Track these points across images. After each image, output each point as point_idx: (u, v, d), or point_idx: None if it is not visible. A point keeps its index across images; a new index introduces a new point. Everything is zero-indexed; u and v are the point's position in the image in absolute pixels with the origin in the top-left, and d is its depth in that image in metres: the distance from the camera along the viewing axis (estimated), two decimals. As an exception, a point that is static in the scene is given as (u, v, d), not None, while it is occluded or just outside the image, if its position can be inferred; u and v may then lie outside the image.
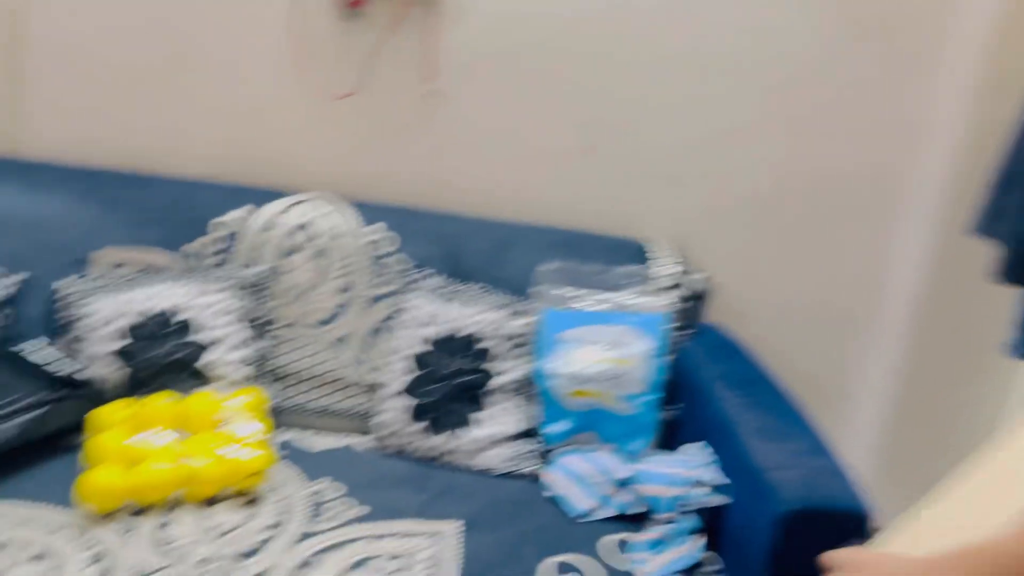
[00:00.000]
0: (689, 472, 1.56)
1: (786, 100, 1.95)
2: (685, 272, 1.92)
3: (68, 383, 1.58)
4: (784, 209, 2.03)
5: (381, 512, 1.51)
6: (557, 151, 1.97)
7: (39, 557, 1.31)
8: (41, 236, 1.75)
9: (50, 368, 1.59)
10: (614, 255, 1.90)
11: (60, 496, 1.42)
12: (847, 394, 2.20)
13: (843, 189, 2.02)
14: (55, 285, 1.73)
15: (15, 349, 1.61)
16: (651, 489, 1.57)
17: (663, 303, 1.82)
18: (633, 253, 1.92)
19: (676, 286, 1.87)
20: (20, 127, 1.86)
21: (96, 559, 1.32)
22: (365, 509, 1.51)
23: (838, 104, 1.96)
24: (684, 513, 1.53)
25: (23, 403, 1.51)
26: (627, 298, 1.80)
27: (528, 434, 1.75)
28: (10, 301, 1.70)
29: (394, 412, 1.73)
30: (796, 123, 1.97)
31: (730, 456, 1.54)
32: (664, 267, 1.89)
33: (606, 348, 1.72)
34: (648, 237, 1.99)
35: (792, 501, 1.33)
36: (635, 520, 1.59)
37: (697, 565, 1.48)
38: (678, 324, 1.85)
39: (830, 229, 2.05)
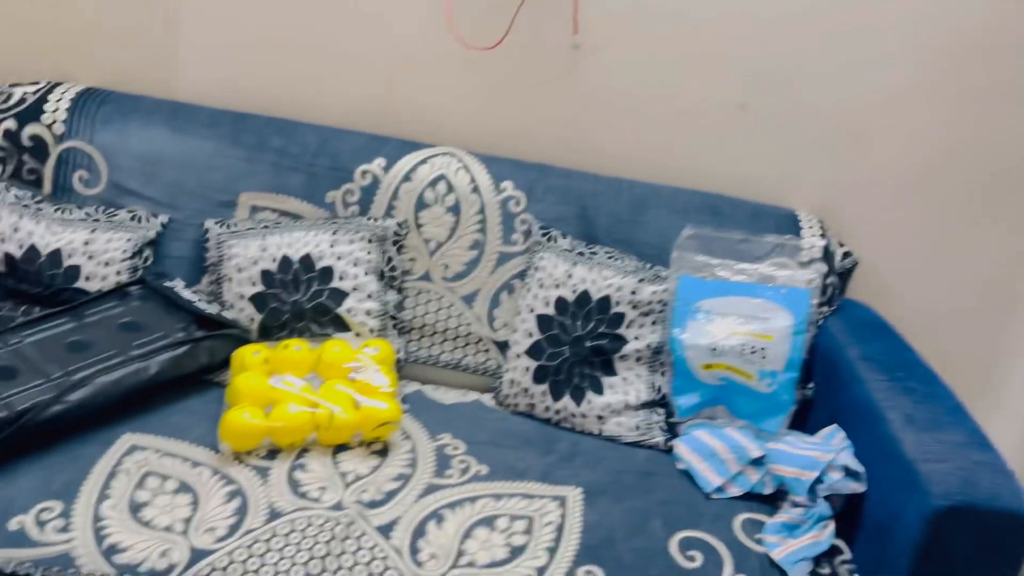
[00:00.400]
0: (825, 456, 1.49)
1: (960, 66, 1.80)
2: (831, 245, 1.81)
3: (212, 323, 1.63)
4: (946, 184, 1.89)
5: (503, 472, 1.51)
6: (704, 111, 1.88)
7: (181, 490, 1.36)
8: (189, 177, 1.80)
9: (196, 307, 1.64)
10: (758, 223, 1.81)
11: (201, 433, 1.47)
12: (996, 384, 2.05)
13: (1016, 167, 1.86)
14: (200, 226, 1.78)
15: (165, 286, 1.67)
16: (786, 470, 1.50)
17: (807, 277, 1.72)
18: (778, 222, 1.83)
19: (821, 259, 1.77)
20: (175, 70, 1.91)
21: (233, 496, 1.37)
22: (487, 467, 1.51)
23: (1019, 74, 1.79)
24: (820, 498, 1.46)
25: (170, 339, 1.57)
26: (769, 269, 1.71)
27: (657, 404, 1.71)
28: (157, 240, 1.76)
29: (519, 372, 1.72)
30: (968, 92, 1.81)
31: (872, 443, 1.46)
32: (810, 239, 1.79)
33: (744, 321, 1.65)
34: (795, 206, 1.89)
35: (946, 497, 1.25)
36: (765, 501, 1.53)
37: (827, 553, 1.42)
38: (821, 300, 1.76)
39: (996, 208, 1.90)
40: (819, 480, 1.47)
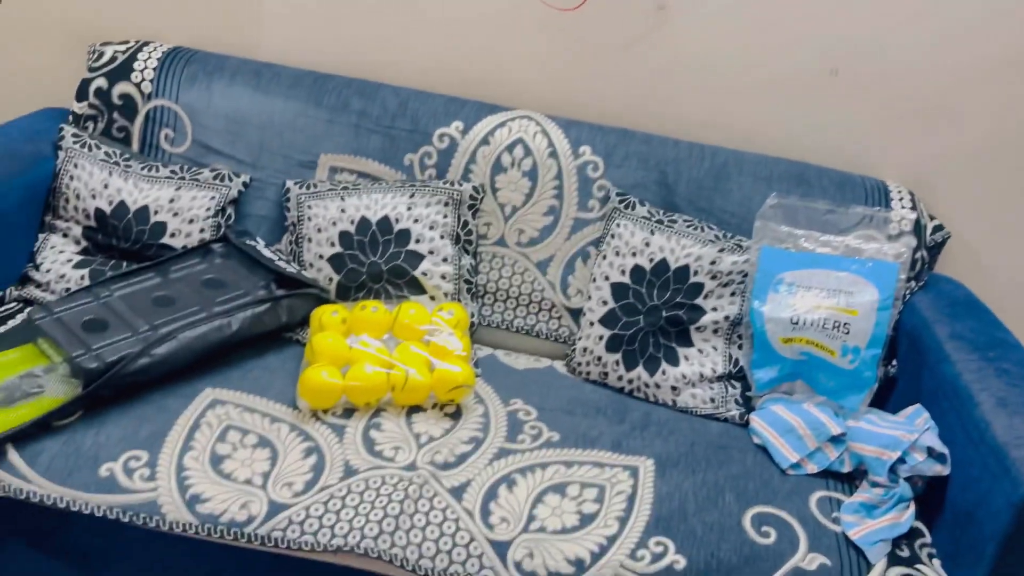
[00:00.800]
0: (908, 436, 1.44)
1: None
2: (922, 218, 1.74)
3: (292, 282, 1.66)
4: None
5: (575, 439, 1.50)
6: (792, 75, 1.81)
7: (260, 444, 1.40)
8: (271, 137, 1.82)
9: (276, 266, 1.67)
10: (845, 193, 1.75)
11: (280, 389, 1.51)
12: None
13: None
14: (281, 186, 1.80)
15: (247, 244, 1.71)
16: (866, 449, 1.46)
17: (896, 250, 1.66)
18: (867, 193, 1.76)
19: (911, 232, 1.71)
20: (258, 30, 1.93)
21: (310, 452, 1.39)
22: (559, 434, 1.51)
23: None
24: (901, 479, 1.42)
25: (251, 297, 1.60)
26: (856, 242, 1.65)
27: (733, 377, 1.68)
28: (240, 199, 1.79)
29: (592, 340, 1.71)
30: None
31: (959, 425, 1.40)
32: (900, 211, 1.73)
33: (828, 294, 1.60)
34: (885, 177, 1.81)
35: (1040, 486, 1.20)
36: (842, 480, 1.49)
37: (907, 535, 1.38)
38: (909, 274, 1.70)
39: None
40: (901, 460, 1.43)
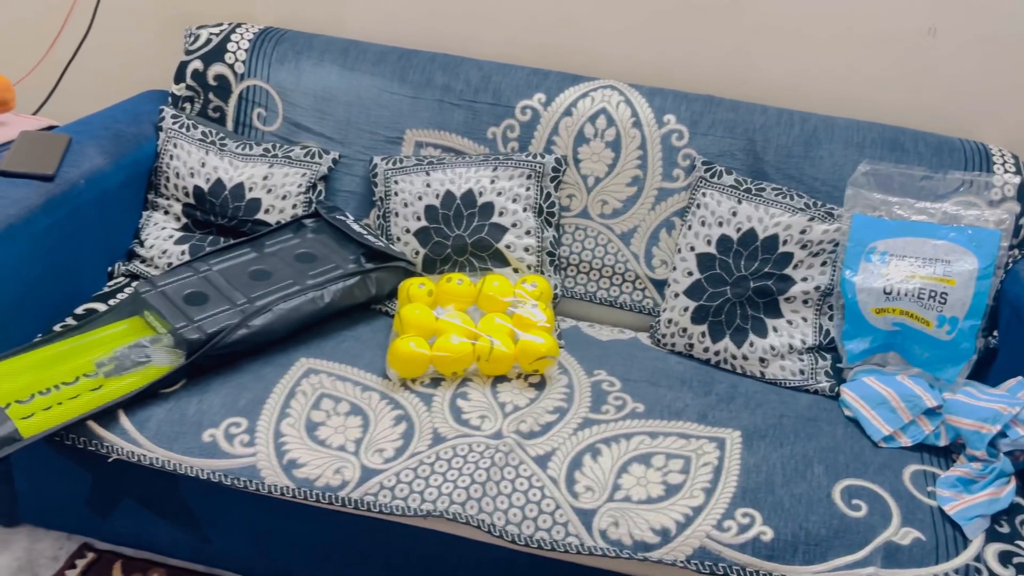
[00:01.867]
0: (1010, 409, 1.39)
1: None
2: (1027, 183, 1.66)
3: (380, 255, 1.70)
4: None
5: (660, 411, 1.50)
6: (887, 35, 1.75)
7: (352, 412, 1.45)
8: (358, 115, 1.86)
9: (365, 240, 1.71)
10: (943, 159, 1.68)
11: (370, 359, 1.55)
12: None
13: None
14: (369, 162, 1.84)
15: (337, 219, 1.75)
16: (964, 422, 1.41)
17: (998, 216, 1.59)
18: (966, 158, 1.69)
19: (1015, 198, 1.63)
20: (344, 7, 1.96)
21: (400, 420, 1.43)
22: (643, 405, 1.51)
23: None
24: (1001, 453, 1.37)
25: (342, 271, 1.65)
26: (955, 208, 1.59)
27: (824, 348, 1.64)
28: (329, 175, 1.84)
29: (677, 312, 1.70)
30: None
31: (1066, 398, 1.35)
32: (1003, 175, 1.65)
33: (924, 263, 1.55)
34: (986, 140, 1.73)
35: None
36: (938, 453, 1.45)
37: (1006, 512, 1.33)
38: (1012, 242, 1.62)
39: None
40: (1002, 435, 1.38)
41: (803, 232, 1.64)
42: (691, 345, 1.69)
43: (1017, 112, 1.74)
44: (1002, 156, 1.69)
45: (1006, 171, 1.67)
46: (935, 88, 1.76)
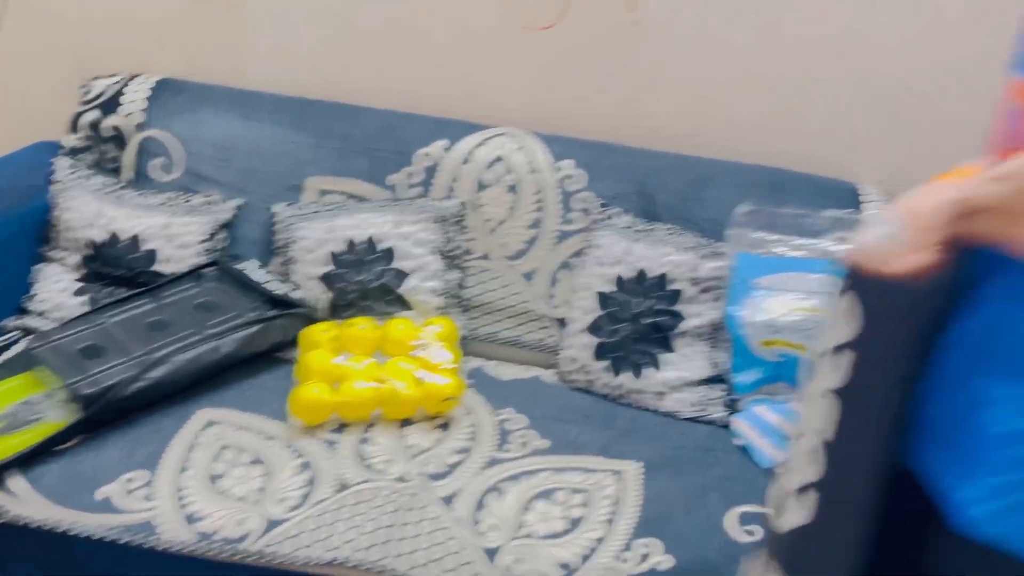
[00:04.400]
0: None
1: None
2: (897, 219, 1.78)
3: (282, 302, 1.70)
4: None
5: (563, 446, 1.54)
6: (766, 83, 1.86)
7: (255, 462, 1.44)
8: (259, 163, 1.87)
9: (267, 287, 1.71)
10: (820, 198, 1.79)
11: (273, 408, 1.54)
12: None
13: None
14: (269, 210, 1.84)
15: (238, 267, 1.75)
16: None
17: (871, 251, 1.70)
18: (841, 196, 1.80)
19: (886, 233, 1.74)
20: (244, 59, 1.98)
21: (303, 468, 1.43)
22: (548, 442, 1.55)
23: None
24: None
25: (243, 319, 1.64)
26: (830, 245, 1.69)
27: (716, 380, 1.71)
28: (230, 224, 1.83)
29: (579, 348, 1.74)
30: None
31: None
32: (870, 213, 1.77)
33: (804, 296, 1.64)
34: (859, 180, 1.85)
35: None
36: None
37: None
38: (886, 274, 1.73)
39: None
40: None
41: (693, 270, 1.71)
42: (592, 381, 1.74)
43: (885, 153, 1.87)
44: (870, 194, 1.81)
45: (874, 208, 1.78)
46: (813, 132, 1.87)
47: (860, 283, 0.78)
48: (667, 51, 1.86)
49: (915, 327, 0.76)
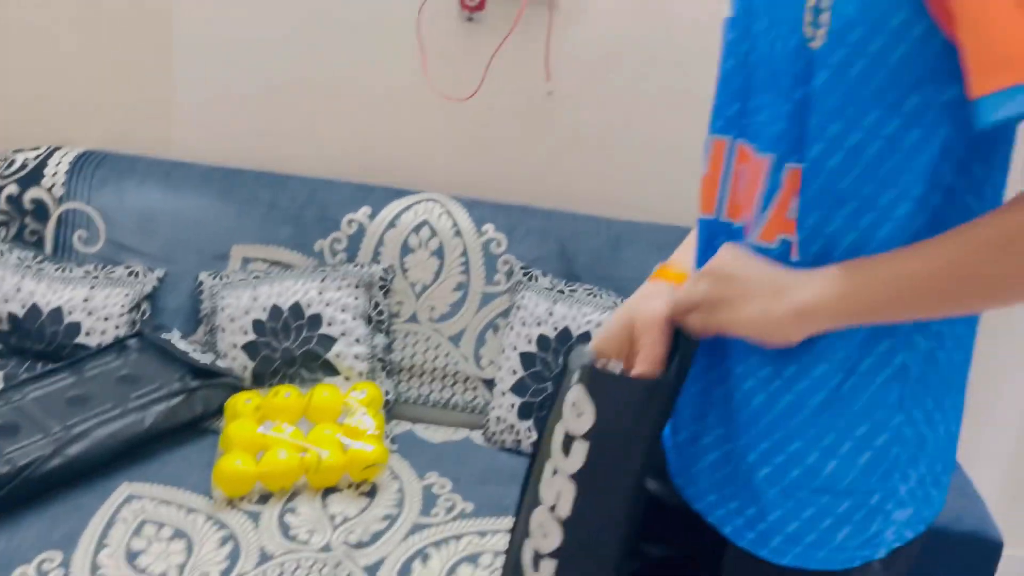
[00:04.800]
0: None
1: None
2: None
3: (206, 372, 1.70)
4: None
5: (489, 508, 1.55)
6: (676, 147, 1.94)
7: (176, 536, 1.42)
8: (183, 233, 1.88)
9: (190, 358, 1.71)
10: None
11: (195, 480, 1.53)
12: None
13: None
14: (195, 279, 1.85)
15: (162, 338, 1.74)
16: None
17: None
18: (750, 255, 1.88)
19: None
20: (169, 130, 2.00)
21: (225, 541, 1.42)
22: (473, 504, 1.56)
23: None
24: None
25: (166, 390, 1.64)
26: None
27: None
28: (154, 294, 1.83)
29: (505, 409, 1.77)
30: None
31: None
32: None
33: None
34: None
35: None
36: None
37: None
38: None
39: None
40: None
41: (613, 328, 1.76)
42: (519, 441, 1.76)
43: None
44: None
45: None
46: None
47: (594, 378, 0.84)
48: (581, 118, 1.93)
49: (646, 419, 0.82)
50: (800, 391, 0.78)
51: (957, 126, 0.69)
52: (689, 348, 0.83)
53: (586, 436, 0.83)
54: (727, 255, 0.78)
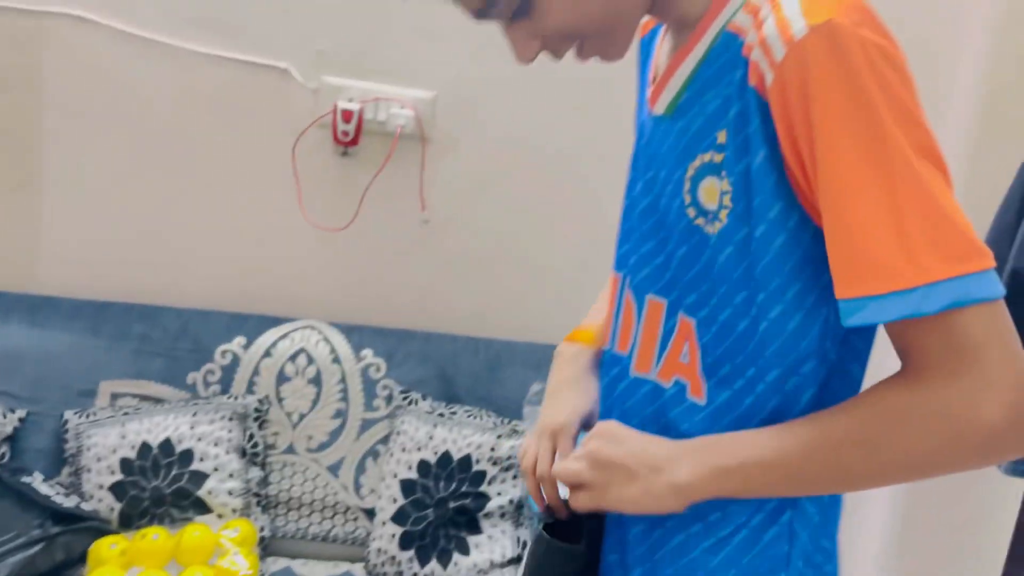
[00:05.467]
0: None
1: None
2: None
3: (69, 517, 1.62)
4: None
5: (369, 645, 1.51)
6: (549, 268, 2.01)
7: None
8: (50, 370, 1.81)
9: (52, 501, 1.62)
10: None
11: (50, 636, 1.44)
12: (852, 507, 2.16)
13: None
14: (60, 417, 1.78)
15: (22, 481, 1.66)
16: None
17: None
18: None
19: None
20: (36, 265, 1.95)
21: None
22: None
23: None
24: None
25: (24, 538, 1.55)
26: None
27: (521, 560, 1.74)
28: (15, 435, 1.75)
29: (386, 539, 1.74)
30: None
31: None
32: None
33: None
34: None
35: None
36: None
37: None
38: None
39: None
40: None
41: (492, 449, 1.77)
42: (400, 573, 1.73)
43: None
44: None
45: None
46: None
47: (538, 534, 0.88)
48: (457, 243, 1.99)
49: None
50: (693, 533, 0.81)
51: (835, 307, 0.70)
52: (594, 523, 0.87)
53: None
54: (603, 436, 0.80)
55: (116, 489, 1.69)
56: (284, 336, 1.89)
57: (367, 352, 1.90)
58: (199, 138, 1.92)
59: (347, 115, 1.86)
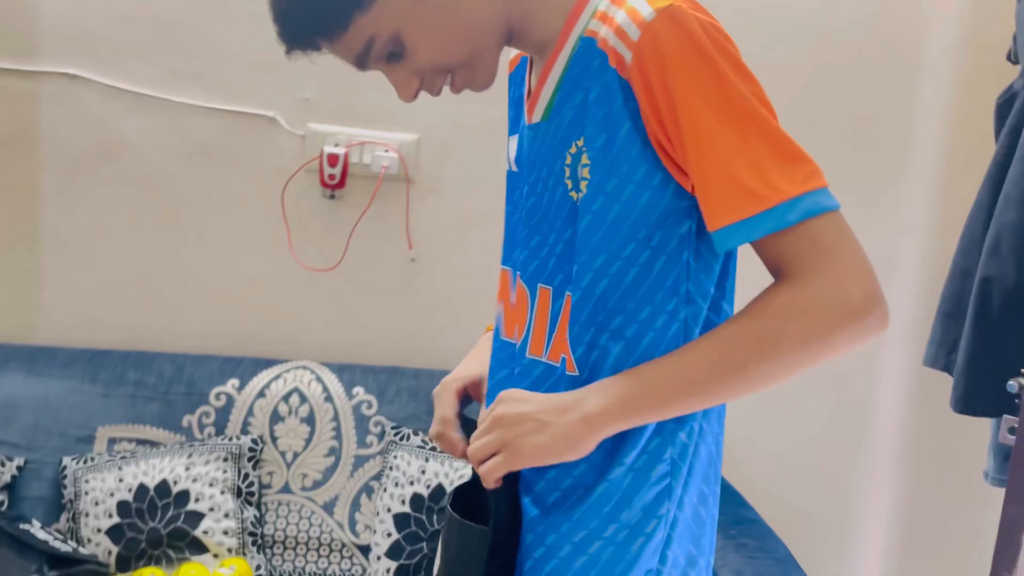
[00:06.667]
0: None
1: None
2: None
3: (67, 561, 1.63)
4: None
5: None
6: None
7: None
8: (48, 418, 1.85)
9: (50, 546, 1.64)
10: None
11: None
12: (849, 530, 2.16)
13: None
14: (58, 464, 1.81)
15: (20, 528, 1.68)
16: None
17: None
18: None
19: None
20: (35, 316, 2.00)
21: None
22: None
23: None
24: None
25: (20, 585, 1.57)
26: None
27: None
28: (13, 484, 1.78)
29: (381, 574, 1.75)
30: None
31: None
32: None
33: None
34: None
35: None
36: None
37: None
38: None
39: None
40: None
41: (483, 481, 1.79)
42: (396, 606, 1.74)
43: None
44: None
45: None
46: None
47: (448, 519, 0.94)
48: (445, 280, 2.04)
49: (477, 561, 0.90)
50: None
51: (692, 252, 0.85)
52: (502, 495, 0.89)
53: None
54: (507, 400, 0.87)
55: (113, 532, 1.71)
56: (277, 377, 1.93)
57: (359, 390, 1.93)
58: (191, 187, 1.98)
59: (333, 159, 1.92)
